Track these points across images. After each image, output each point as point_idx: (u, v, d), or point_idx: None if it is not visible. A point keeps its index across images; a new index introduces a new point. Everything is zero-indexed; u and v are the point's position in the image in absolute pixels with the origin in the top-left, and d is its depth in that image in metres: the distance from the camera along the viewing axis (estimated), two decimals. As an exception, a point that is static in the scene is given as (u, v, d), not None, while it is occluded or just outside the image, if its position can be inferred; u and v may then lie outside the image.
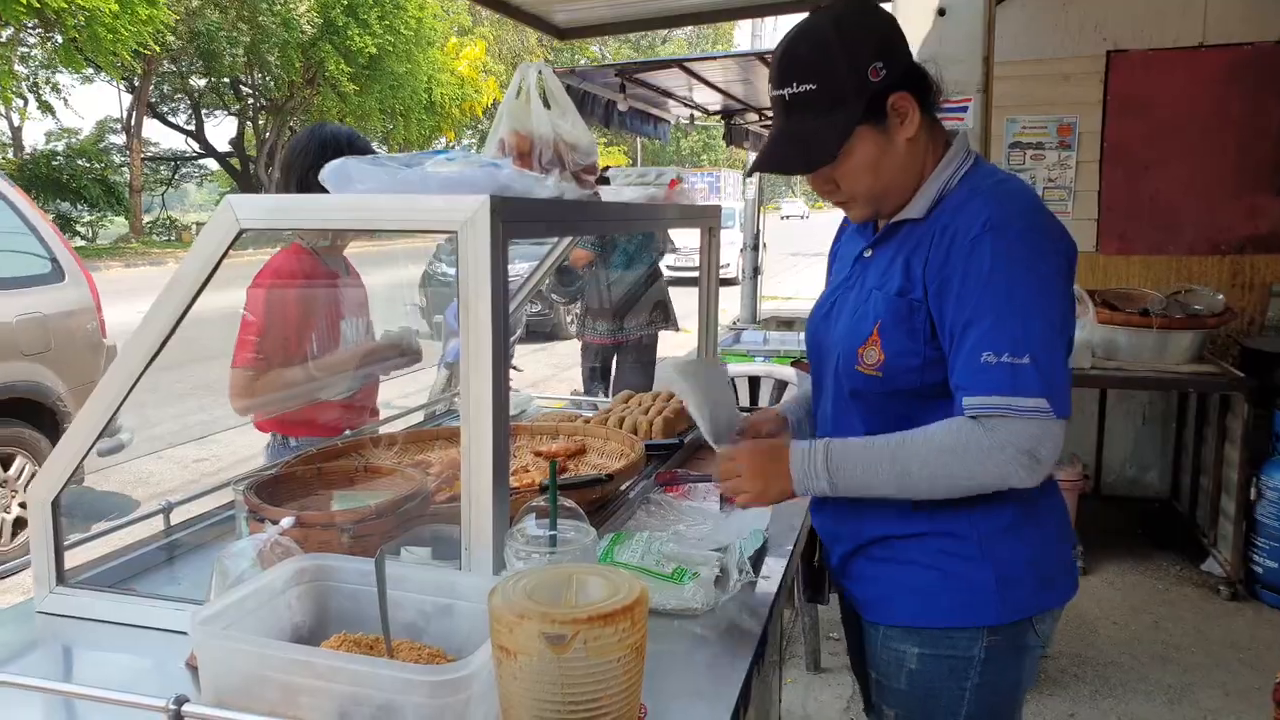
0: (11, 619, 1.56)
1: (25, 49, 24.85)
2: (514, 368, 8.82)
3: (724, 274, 17.15)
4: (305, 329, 2.55)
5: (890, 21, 1.56)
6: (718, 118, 8.82)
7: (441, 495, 2.02)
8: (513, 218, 1.40)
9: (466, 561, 1.42)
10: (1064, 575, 1.66)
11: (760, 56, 6.15)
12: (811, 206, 60.55)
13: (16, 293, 5.23)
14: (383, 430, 2.97)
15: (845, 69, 1.51)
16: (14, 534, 5.29)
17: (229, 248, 1.46)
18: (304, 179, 2.44)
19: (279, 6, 26.35)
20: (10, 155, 28.84)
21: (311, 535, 1.52)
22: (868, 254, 1.67)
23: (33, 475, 5.15)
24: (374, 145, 2.67)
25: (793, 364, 4.81)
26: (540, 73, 1.90)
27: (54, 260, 5.52)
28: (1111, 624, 4.17)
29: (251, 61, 28.11)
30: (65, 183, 26.76)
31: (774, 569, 1.81)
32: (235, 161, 32.71)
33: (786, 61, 1.57)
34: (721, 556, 1.74)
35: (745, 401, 4.59)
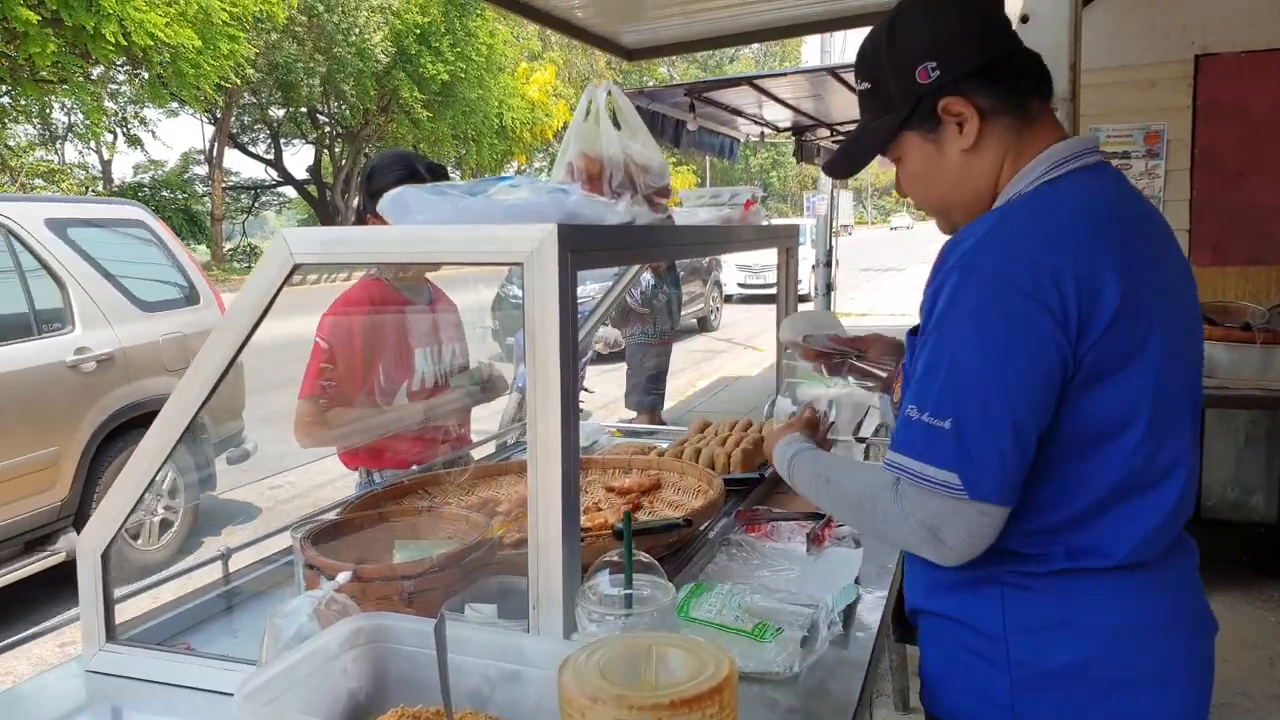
0: (60, 679, 1.49)
1: (115, 85, 25.75)
2: (585, 389, 8.80)
3: (799, 290, 17.11)
4: (373, 359, 2.48)
5: (964, 15, 1.35)
6: (787, 134, 8.68)
7: (510, 538, 1.92)
8: (581, 246, 1.30)
9: (535, 621, 1.30)
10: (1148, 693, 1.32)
11: (831, 71, 6.00)
12: (916, 219, 60.45)
13: (161, 315, 5.77)
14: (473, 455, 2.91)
15: (891, 68, 1.37)
16: (160, 534, 5.72)
17: (284, 282, 1.38)
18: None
19: (354, 37, 26.91)
20: (101, 188, 29.87)
21: (370, 590, 1.43)
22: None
23: (175, 481, 5.81)
24: (448, 169, 2.60)
25: (873, 387, 4.62)
26: (610, 92, 1.81)
27: (190, 285, 6.10)
28: (1222, 661, 3.86)
29: (328, 91, 28.75)
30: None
31: (868, 623, 1.66)
32: (313, 189, 33.42)
33: (857, 56, 1.45)
34: (811, 612, 1.60)
35: (824, 427, 4.42)
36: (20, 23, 18.14)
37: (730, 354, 12.71)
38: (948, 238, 1.41)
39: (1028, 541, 1.30)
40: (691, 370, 11.62)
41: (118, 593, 1.64)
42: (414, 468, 2.46)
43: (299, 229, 1.36)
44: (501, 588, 1.49)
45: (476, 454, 2.91)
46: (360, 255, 1.33)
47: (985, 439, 1.21)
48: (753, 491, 2.26)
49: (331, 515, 1.96)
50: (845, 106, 7.57)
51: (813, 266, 10.85)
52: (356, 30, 26.92)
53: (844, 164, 1.53)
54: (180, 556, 5.65)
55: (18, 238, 5.06)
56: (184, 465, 5.88)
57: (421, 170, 2.49)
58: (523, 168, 35.41)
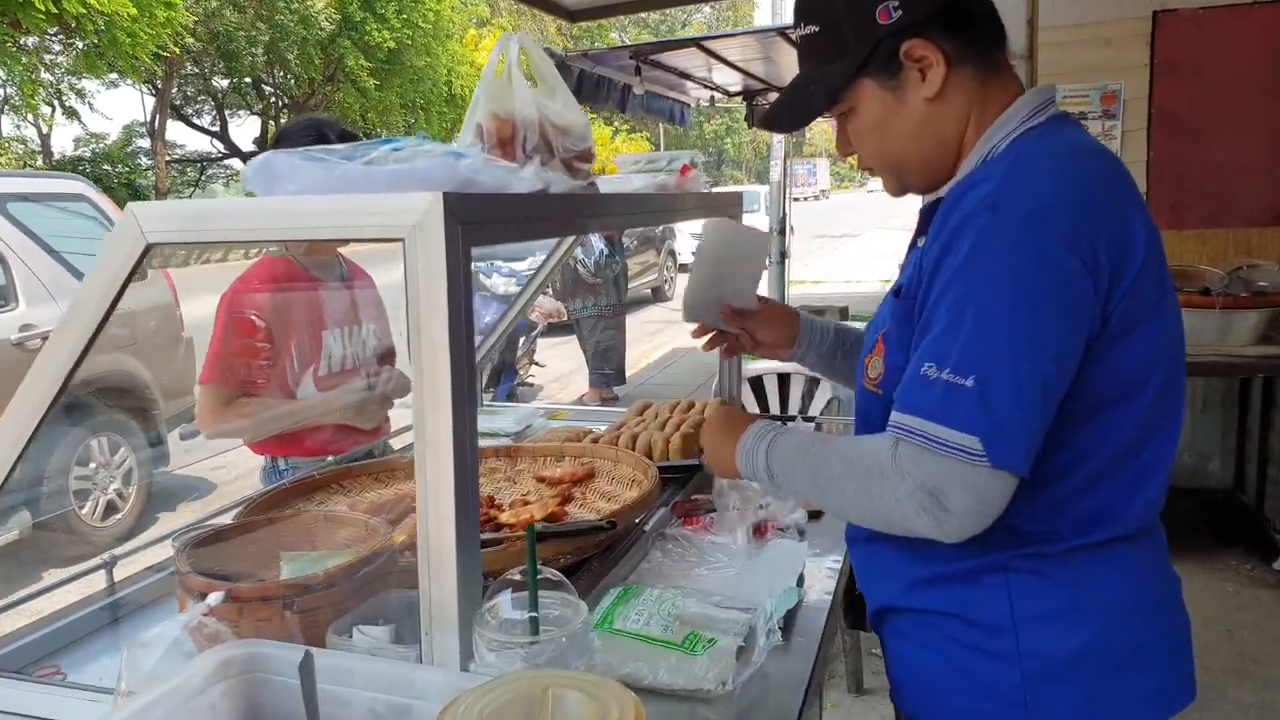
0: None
1: (51, 56, 24.91)
2: (535, 363, 8.64)
3: (751, 260, 16.93)
4: (278, 342, 2.29)
5: None
6: (739, 99, 8.50)
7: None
8: (478, 218, 1.13)
9: (428, 649, 1.14)
10: (1155, 677, 1.27)
11: (781, 32, 5.83)
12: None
13: None
14: (396, 445, 2.73)
15: (846, 7, 1.23)
16: (105, 515, 5.63)
17: (136, 266, 1.19)
18: None
19: (296, 4, 26.24)
20: (40, 162, 28.97)
21: (247, 611, 1.26)
22: (920, 242, 1.33)
23: (130, 465, 5.77)
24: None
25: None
26: (523, 45, 1.62)
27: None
28: (1180, 633, 3.84)
29: (272, 60, 28.02)
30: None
31: (810, 628, 1.52)
32: (259, 161, 32.72)
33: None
34: (749, 619, 1.46)
35: (775, 405, 4.28)
36: (-56, -10, 17.42)
37: (685, 324, 12.56)
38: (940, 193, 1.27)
39: (1034, 518, 1.19)
40: (645, 342, 11.46)
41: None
42: (330, 458, 2.29)
43: (150, 203, 1.18)
44: (403, 603, 1.32)
45: (399, 442, 2.73)
46: (222, 233, 1.15)
47: (1013, 400, 1.08)
48: (692, 479, 2.11)
49: (226, 518, 1.79)
50: (791, 70, 7.40)
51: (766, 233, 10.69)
52: (299, -3, 26.25)
53: (785, 116, 1.37)
54: (133, 535, 5.50)
55: None
56: (136, 443, 5.83)
57: (333, 137, 2.29)
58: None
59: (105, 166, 28.22)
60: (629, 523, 1.75)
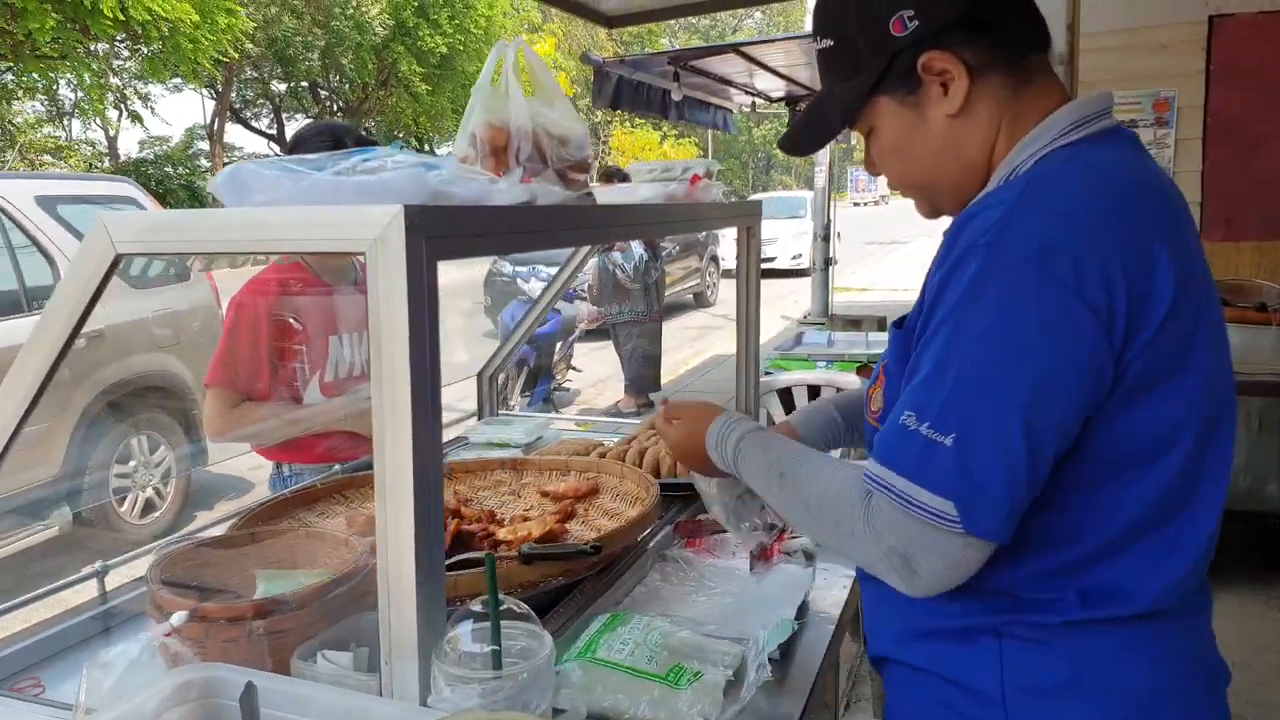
0: None
1: (119, 62, 25.54)
2: (573, 368, 8.62)
3: (797, 265, 16.79)
4: (284, 348, 2.28)
5: None
6: (781, 104, 8.41)
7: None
8: (445, 231, 1.08)
9: (388, 679, 1.10)
10: None
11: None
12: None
13: (152, 291, 5.78)
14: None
15: (859, 20, 1.13)
16: (144, 512, 5.71)
17: (107, 276, 1.17)
18: None
19: (352, 10, 26.61)
20: (107, 164, 29.71)
21: (213, 632, 1.23)
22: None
23: (170, 464, 5.86)
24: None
25: (858, 370, 4.40)
26: (521, 50, 1.58)
27: (181, 261, 6.06)
28: (1232, 665, 3.68)
29: (327, 65, 28.47)
30: (153, 188, 27.45)
31: (807, 663, 1.46)
32: (314, 164, 33.22)
33: (815, 9, 1.21)
34: (740, 650, 1.40)
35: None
36: (19, -1, 17.91)
37: (726, 330, 12.43)
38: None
39: (1035, 585, 1.08)
40: (685, 348, 11.40)
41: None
42: (336, 466, 2.26)
43: (122, 213, 1.15)
44: (375, 627, 1.29)
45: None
46: (189, 244, 1.13)
47: (994, 465, 0.98)
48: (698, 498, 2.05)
49: (221, 529, 1.77)
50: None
51: (813, 239, 10.56)
52: (354, 3, 26.61)
53: (805, 139, 1.27)
54: (171, 532, 5.59)
55: (8, 215, 5.08)
56: (176, 441, 5.89)
57: (349, 143, 2.27)
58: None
59: (166, 168, 28.83)
60: (625, 543, 1.69)
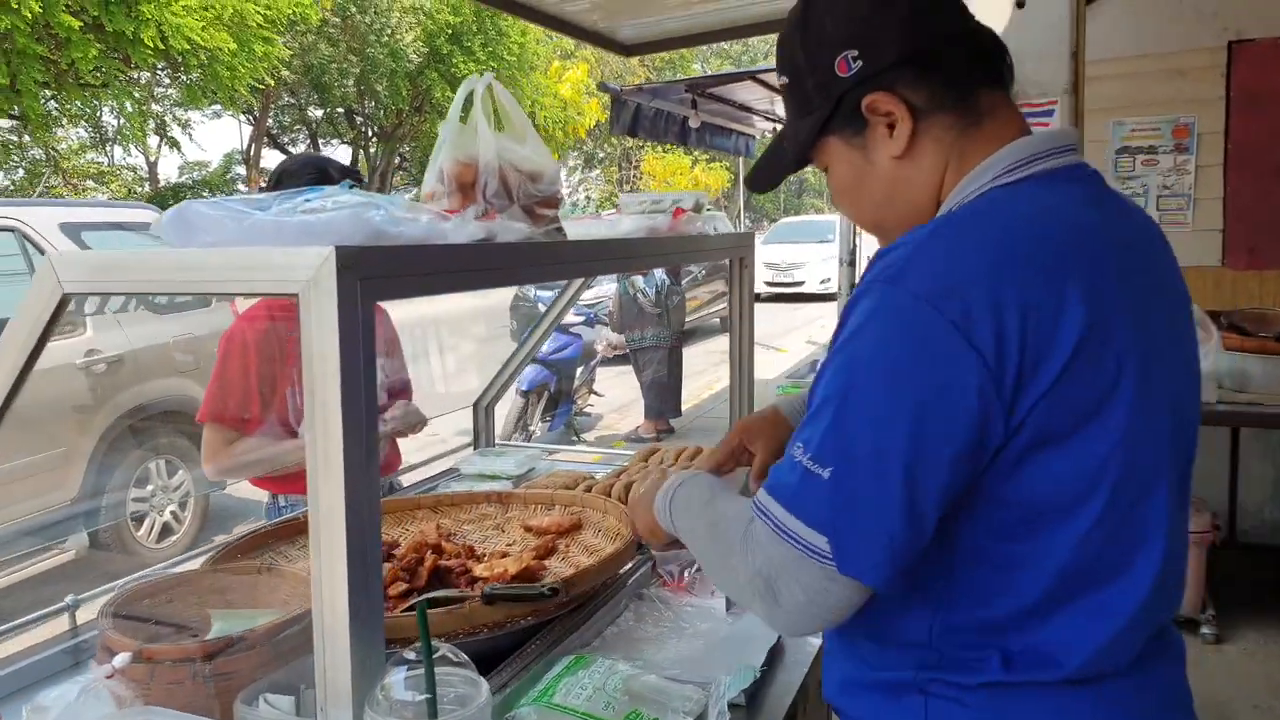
0: None
1: (161, 89, 26.06)
2: (594, 393, 8.61)
3: (826, 289, 16.74)
4: (274, 380, 2.28)
5: None
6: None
7: (394, 589, 1.71)
8: (384, 272, 1.07)
9: (323, 726, 1.08)
10: None
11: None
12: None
13: (172, 316, 5.86)
14: (405, 481, 2.71)
15: (807, 60, 1.12)
16: (161, 537, 5.74)
17: (55, 315, 1.17)
18: None
19: (387, 37, 26.98)
20: (147, 189, 30.28)
21: (159, 674, 1.21)
22: None
23: (188, 488, 5.91)
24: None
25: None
26: (491, 87, 1.58)
27: None
28: (1253, 709, 3.58)
29: (362, 91, 28.85)
30: (188, 214, 27.96)
31: (772, 709, 1.42)
32: (349, 189, 33.60)
33: (778, 44, 1.20)
34: (702, 697, 1.37)
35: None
36: (63, 29, 18.34)
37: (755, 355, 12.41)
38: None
39: (958, 641, 1.05)
40: (710, 372, 11.35)
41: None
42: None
43: (68, 253, 1.15)
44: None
45: (427, 473, 2.71)
46: (133, 284, 1.13)
47: (870, 503, 0.95)
48: (684, 534, 2.02)
49: (196, 563, 1.76)
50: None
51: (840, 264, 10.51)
52: (389, 30, 26.99)
53: (765, 176, 1.27)
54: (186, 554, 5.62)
55: (31, 241, 5.17)
56: (193, 464, 5.85)
57: (334, 174, 2.28)
58: (557, 164, 35.25)
59: (204, 193, 29.34)
60: (593, 584, 1.67)
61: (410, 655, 1.06)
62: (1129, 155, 5.29)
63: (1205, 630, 3.96)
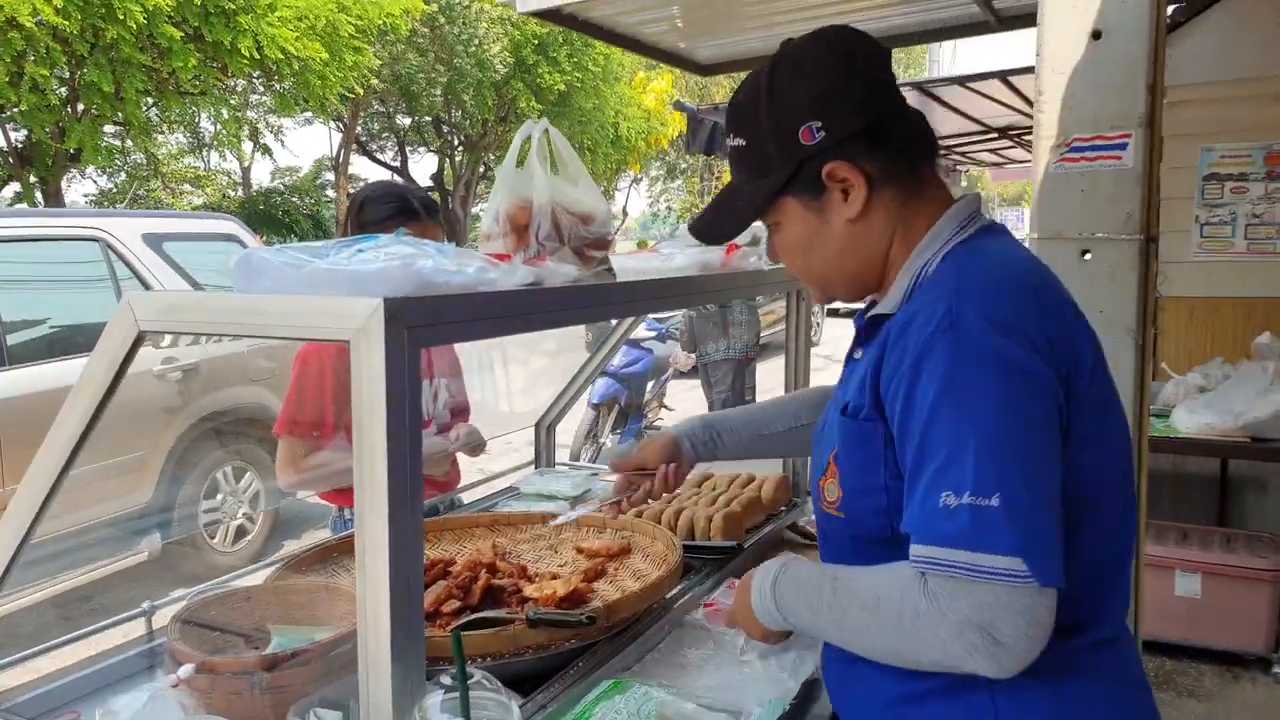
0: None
1: (256, 97, 26.96)
2: (665, 406, 8.65)
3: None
4: (347, 397, 2.38)
5: (848, 69, 1.20)
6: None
7: (448, 608, 1.78)
8: (429, 320, 1.15)
9: (365, 745, 1.16)
10: None
11: (918, 86, 5.70)
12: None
13: None
14: (466, 499, 2.79)
15: (770, 126, 1.22)
16: (235, 539, 5.94)
17: (130, 351, 1.27)
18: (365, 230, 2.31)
19: (474, 48, 27.46)
20: (238, 194, 31.34)
21: (219, 684, 1.31)
22: (857, 355, 1.32)
23: (257, 489, 6.05)
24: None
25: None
26: (548, 132, 1.65)
27: None
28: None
29: (449, 100, 29.40)
30: (280, 218, 28.82)
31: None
32: (436, 196, 34.24)
33: (729, 108, 1.30)
34: (729, 725, 1.41)
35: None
36: (165, 39, 19.13)
37: (826, 371, 12.32)
38: (885, 314, 1.23)
39: None
40: (781, 388, 11.30)
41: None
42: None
43: (143, 294, 1.25)
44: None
45: (489, 489, 2.79)
46: (202, 325, 1.23)
47: (1039, 514, 1.05)
48: (730, 563, 2.07)
49: (258, 577, 1.87)
50: (944, 121, 7.23)
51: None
52: (476, 41, 27.47)
53: (718, 229, 1.36)
54: (259, 559, 5.80)
55: (115, 251, 5.38)
56: (265, 470, 6.06)
57: (414, 203, 2.38)
58: (638, 175, 35.50)
59: (294, 199, 30.21)
60: (634, 610, 1.72)
61: (447, 680, 1.13)
62: (1217, 182, 5.17)
63: (1278, 669, 3.85)
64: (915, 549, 1.08)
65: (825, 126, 1.18)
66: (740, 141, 1.27)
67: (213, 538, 5.78)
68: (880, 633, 1.13)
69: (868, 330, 1.27)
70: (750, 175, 1.27)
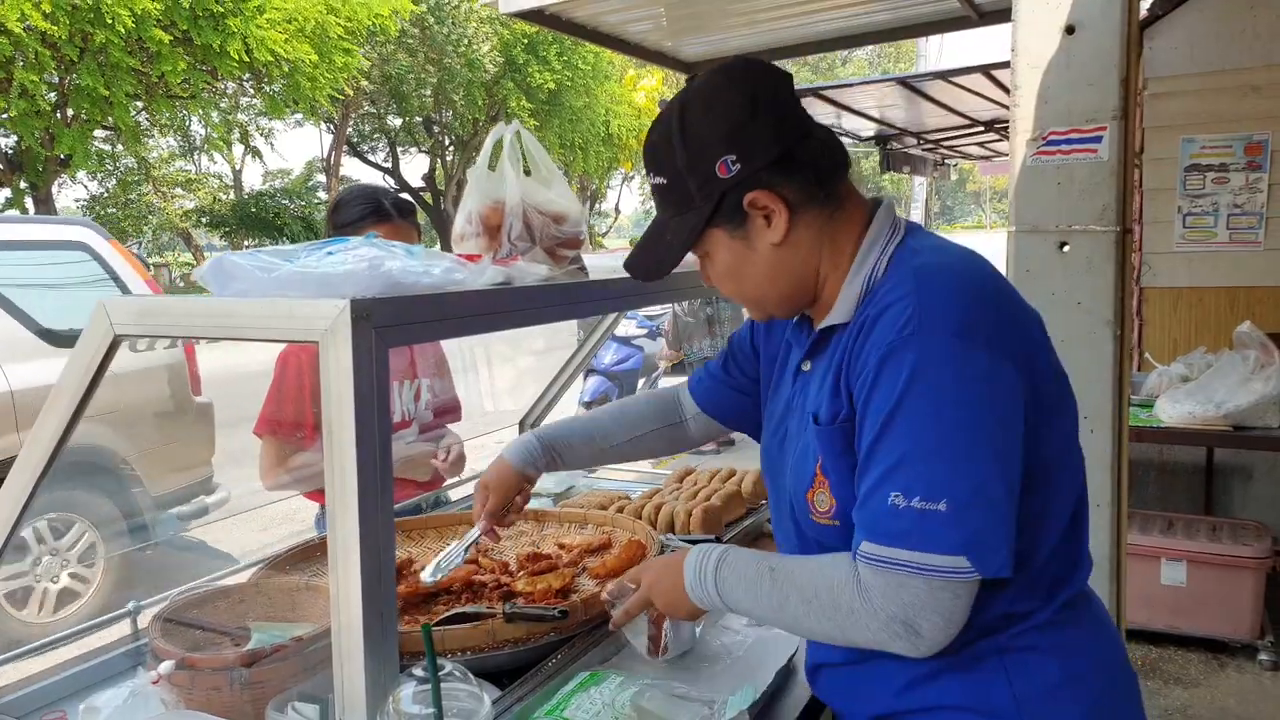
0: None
1: (246, 99, 26.93)
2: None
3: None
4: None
5: (752, 102, 1.23)
6: (870, 144, 8.38)
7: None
8: (398, 320, 1.17)
9: (340, 737, 1.18)
10: None
11: (903, 82, 5.73)
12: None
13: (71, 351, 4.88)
14: (454, 496, 2.81)
15: (687, 164, 1.25)
16: (58, 606, 5.02)
17: (106, 355, 1.29)
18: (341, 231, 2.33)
19: (464, 48, 27.44)
20: (231, 195, 31.33)
21: (198, 680, 1.33)
22: (805, 367, 1.36)
23: (90, 541, 5.12)
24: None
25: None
26: (519, 133, 1.68)
27: None
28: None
29: (440, 100, 29.39)
30: (271, 220, 28.81)
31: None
32: (428, 196, 34.24)
33: (645, 148, 1.33)
34: (707, 713, 1.44)
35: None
36: (154, 42, 19.13)
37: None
38: (838, 324, 1.28)
39: (1018, 598, 1.22)
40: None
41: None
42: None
43: (118, 299, 1.28)
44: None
45: (457, 493, 2.80)
46: (175, 328, 1.25)
47: (987, 512, 1.11)
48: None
49: (243, 576, 1.89)
50: (930, 115, 7.26)
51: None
52: (466, 41, 27.44)
53: (651, 266, 1.37)
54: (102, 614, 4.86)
55: None
56: (103, 517, 5.18)
57: (387, 205, 2.40)
58: (630, 174, 35.53)
59: (285, 201, 30.19)
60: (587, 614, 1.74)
61: (419, 672, 1.16)
62: (1199, 173, 5.20)
63: (1264, 657, 3.89)
64: (864, 545, 1.14)
65: (739, 159, 1.22)
66: (661, 180, 1.29)
67: (20, 607, 4.85)
68: (817, 621, 1.20)
69: (820, 343, 1.31)
70: (675, 210, 1.30)
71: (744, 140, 1.22)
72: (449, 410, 2.74)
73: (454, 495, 2.76)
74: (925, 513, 1.10)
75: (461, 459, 2.61)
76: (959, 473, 1.10)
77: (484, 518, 1.74)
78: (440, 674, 1.15)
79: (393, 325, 1.15)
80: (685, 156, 1.25)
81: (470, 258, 1.42)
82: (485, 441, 3.22)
